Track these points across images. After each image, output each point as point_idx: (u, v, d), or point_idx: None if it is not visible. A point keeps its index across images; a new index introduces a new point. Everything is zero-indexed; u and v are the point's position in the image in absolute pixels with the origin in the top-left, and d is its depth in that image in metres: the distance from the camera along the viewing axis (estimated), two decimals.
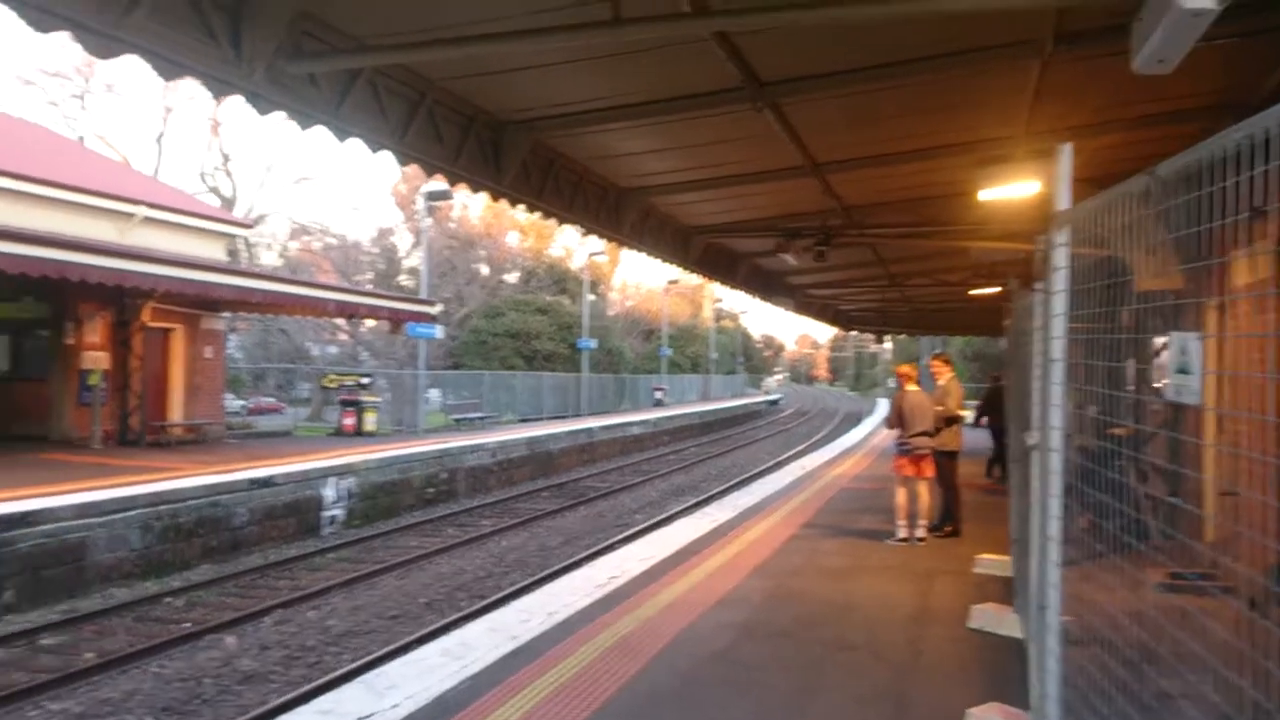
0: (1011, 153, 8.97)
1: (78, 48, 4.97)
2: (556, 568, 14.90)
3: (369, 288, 41.92)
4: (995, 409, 17.46)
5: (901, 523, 11.33)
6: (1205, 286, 3.51)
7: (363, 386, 29.12)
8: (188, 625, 11.76)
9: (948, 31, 6.79)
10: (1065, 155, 3.73)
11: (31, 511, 12.32)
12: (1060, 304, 3.60)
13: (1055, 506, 3.73)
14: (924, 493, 11.40)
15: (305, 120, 6.36)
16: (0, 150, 21.24)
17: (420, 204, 33.11)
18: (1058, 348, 3.67)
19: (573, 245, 66.05)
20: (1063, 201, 3.72)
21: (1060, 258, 3.62)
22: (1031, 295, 5.61)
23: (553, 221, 10.07)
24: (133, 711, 9.03)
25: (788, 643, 7.29)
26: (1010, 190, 9.12)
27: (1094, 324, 3.60)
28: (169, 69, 5.36)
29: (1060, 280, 3.61)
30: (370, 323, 37.47)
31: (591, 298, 51.97)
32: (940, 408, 11.57)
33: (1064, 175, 3.72)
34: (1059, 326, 3.64)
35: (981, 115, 8.95)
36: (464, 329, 47.74)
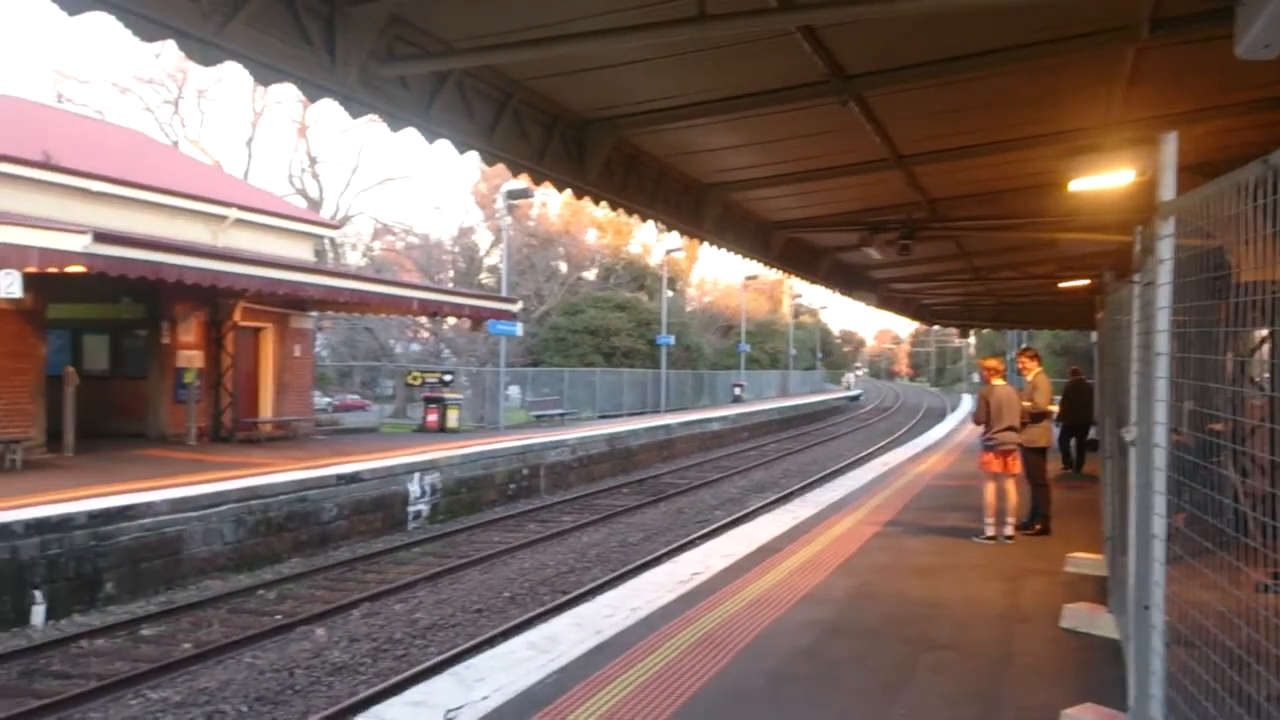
0: (1103, 142, 8.76)
1: (174, 55, 5.11)
2: (638, 563, 14.96)
3: (451, 286, 42.47)
4: (1074, 405, 17.10)
5: (989, 520, 11.14)
6: None
7: (445, 383, 29.52)
8: (279, 617, 12.05)
9: (1037, 19, 6.66)
10: (1170, 144, 3.64)
11: (131, 506, 12.74)
12: (1165, 296, 3.51)
13: (1160, 503, 3.64)
14: (1012, 490, 11.20)
15: (396, 122, 6.47)
16: (100, 156, 21.97)
17: (500, 203, 33.47)
18: (1163, 341, 3.58)
19: (650, 242, 66.27)
20: (1167, 191, 3.62)
21: (1165, 249, 3.53)
22: (1128, 287, 5.47)
23: (631, 219, 10.09)
24: (229, 700, 9.27)
25: (873, 641, 7.23)
26: (1102, 180, 8.90)
27: (1192, 316, 3.51)
28: (267, 74, 5.50)
29: (1166, 272, 3.52)
30: (452, 320, 37.98)
31: (670, 294, 52.03)
32: (1028, 403, 11.36)
33: (1168, 164, 3.62)
34: (1164, 319, 3.54)
35: (1072, 104, 8.75)
36: (543, 326, 48.14)
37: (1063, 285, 18.55)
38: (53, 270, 14.44)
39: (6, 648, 10.50)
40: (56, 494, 13.03)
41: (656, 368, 45.43)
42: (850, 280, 19.16)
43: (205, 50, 5.10)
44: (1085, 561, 9.65)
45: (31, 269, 14.26)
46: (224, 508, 14.09)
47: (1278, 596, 3.07)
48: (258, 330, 24.08)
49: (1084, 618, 7.59)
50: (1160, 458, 3.66)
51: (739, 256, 13.28)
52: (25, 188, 17.83)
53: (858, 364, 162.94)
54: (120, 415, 21.78)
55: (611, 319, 47.54)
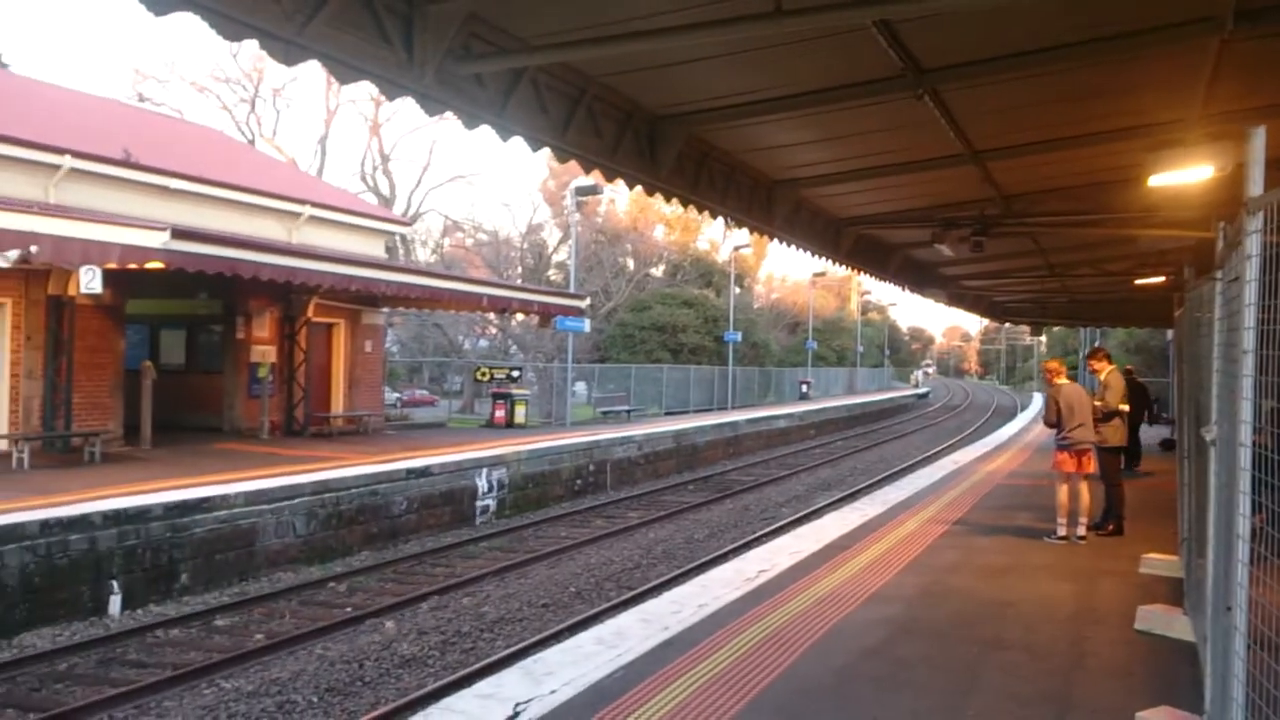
0: (1185, 136, 8.58)
1: (251, 54, 5.24)
2: (704, 560, 14.95)
3: (519, 282, 42.81)
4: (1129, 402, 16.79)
5: (1062, 520, 10.97)
6: None
7: (513, 379, 29.75)
8: (349, 609, 12.24)
9: (1117, 11, 6.56)
10: (1258, 138, 3.57)
11: (206, 498, 13.05)
12: (1253, 293, 3.44)
13: (1244, 504, 3.57)
14: (1084, 490, 11.03)
15: (471, 120, 6.56)
16: (178, 154, 22.53)
17: (569, 199, 33.62)
18: (1249, 339, 3.51)
19: (718, 239, 66.12)
20: (1256, 186, 3.55)
21: (1253, 244, 3.46)
22: (1209, 284, 5.36)
23: (701, 215, 10.10)
24: (299, 691, 9.42)
25: (943, 641, 7.17)
26: (1184, 175, 8.70)
27: (1274, 314, 3.44)
28: (346, 73, 5.62)
29: (1254, 268, 3.45)
30: (519, 317, 38.28)
31: (737, 290, 51.89)
32: (1100, 403, 11.17)
33: (1257, 159, 3.55)
34: (1250, 317, 3.48)
35: (1152, 98, 8.58)
36: (610, 322, 48.26)
37: (1139, 282, 18.17)
38: (132, 266, 14.77)
39: (85, 636, 10.80)
40: (133, 486, 13.39)
41: (723, 364, 45.33)
42: (920, 277, 18.97)
43: (287, 50, 5.22)
44: (1160, 563, 9.47)
45: (112, 265, 14.61)
46: (296, 501, 14.36)
47: None
48: (330, 326, 24.48)
49: (1159, 619, 7.46)
50: (1245, 457, 3.59)
51: (808, 253, 13.22)
52: (106, 185, 18.37)
53: (928, 361, 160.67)
54: (196, 409, 22.27)
55: (679, 315, 47.49)
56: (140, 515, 12.07)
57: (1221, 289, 4.72)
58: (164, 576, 12.32)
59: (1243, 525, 3.59)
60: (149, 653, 10.57)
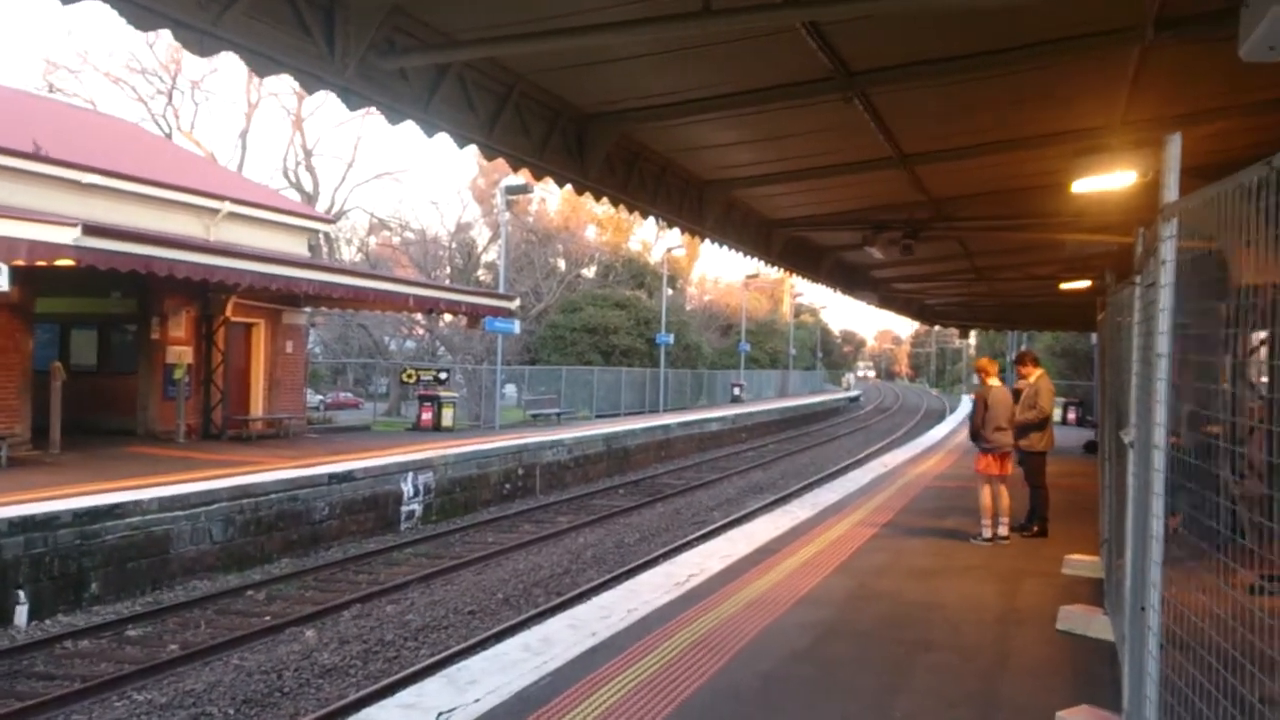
0: (1108, 142, 8.71)
1: (168, 46, 5.06)
2: (635, 564, 14.92)
3: (447, 282, 42.39)
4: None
5: (986, 522, 11.14)
6: None
7: (440, 381, 29.42)
8: (268, 618, 11.98)
9: (1042, 19, 6.61)
10: (1174, 145, 3.60)
11: (117, 504, 12.66)
12: (1167, 298, 3.48)
13: (1158, 505, 3.61)
14: (1004, 491, 11.20)
15: (395, 115, 6.42)
16: (91, 148, 21.84)
17: (499, 198, 33.38)
18: (1164, 343, 3.54)
19: (650, 239, 66.17)
20: (1170, 193, 3.59)
21: (1167, 250, 3.50)
22: (1129, 289, 5.44)
23: (631, 216, 10.06)
24: (215, 703, 9.21)
25: (871, 643, 7.20)
26: (1106, 181, 8.85)
27: (1192, 319, 3.48)
28: (264, 65, 5.45)
29: (1168, 274, 3.48)
30: (448, 318, 37.93)
31: (669, 292, 51.97)
32: (1034, 410, 11.34)
33: (1172, 166, 3.59)
34: (1165, 321, 3.51)
35: (1077, 104, 8.71)
36: (541, 324, 47.99)
37: (1065, 286, 18.52)
38: (41, 263, 14.26)
39: None
40: (41, 492, 12.91)
41: (655, 367, 45.37)
42: (851, 279, 19.12)
43: (202, 40, 5.04)
44: (1082, 564, 9.63)
45: (20, 262, 14.14)
46: (213, 507, 14.00)
47: (1271, 598, 3.05)
48: (249, 326, 23.92)
49: (1080, 620, 7.58)
50: (1159, 459, 3.63)
51: (740, 254, 13.23)
52: (14, 179, 17.68)
53: (867, 363, 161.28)
54: (108, 412, 21.61)
55: (610, 317, 47.37)
56: (48, 522, 11.67)
57: (1140, 293, 4.78)
58: (73, 585, 11.93)
59: (1156, 526, 3.62)
60: (57, 664, 10.25)
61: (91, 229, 14.05)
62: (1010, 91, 8.34)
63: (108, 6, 4.70)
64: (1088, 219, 11.77)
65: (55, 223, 14.19)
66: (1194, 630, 3.41)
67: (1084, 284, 17.40)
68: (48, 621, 11.46)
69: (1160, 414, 3.67)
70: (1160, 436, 3.67)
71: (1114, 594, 6.86)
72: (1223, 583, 3.19)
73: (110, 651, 10.75)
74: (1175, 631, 3.56)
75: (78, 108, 34.62)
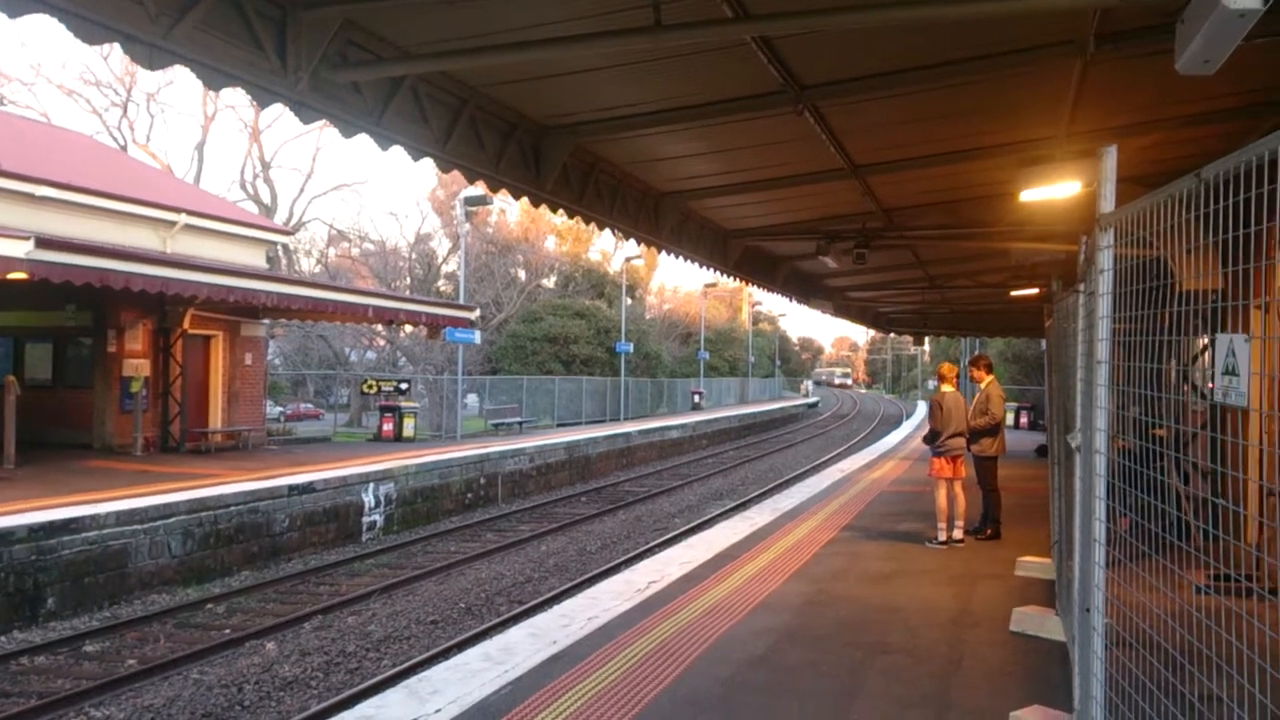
0: (1053, 153, 8.90)
1: (123, 58, 5.07)
2: (596, 572, 14.93)
3: (407, 293, 42.17)
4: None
5: (942, 525, 11.30)
6: (1250, 288, 3.47)
7: (401, 392, 29.28)
8: (228, 631, 11.87)
9: (987, 33, 6.76)
10: (1109, 156, 3.71)
11: (74, 519, 12.47)
12: (1106, 305, 3.58)
13: (1100, 508, 3.70)
14: (960, 494, 11.36)
15: (348, 128, 6.43)
16: (44, 160, 21.59)
17: (458, 210, 33.29)
18: (1103, 349, 3.64)
19: (610, 249, 66.22)
20: (1107, 203, 3.69)
21: (1105, 259, 3.60)
22: (1073, 296, 5.56)
23: (590, 226, 10.11)
24: (174, 718, 9.12)
25: (829, 647, 7.27)
26: (1052, 191, 9.03)
27: (1135, 325, 3.57)
28: (215, 78, 5.45)
29: (1106, 282, 3.58)
30: (408, 328, 37.73)
31: (629, 301, 52.04)
32: (985, 416, 11.51)
33: (1108, 176, 3.69)
34: (1104, 328, 3.61)
35: (1023, 116, 8.90)
36: (502, 334, 47.87)
37: (1014, 294, 18.81)
38: None
39: None
40: None
41: (616, 375, 45.40)
42: (807, 288, 19.31)
43: (152, 54, 5.04)
44: (1034, 565, 9.78)
45: None
46: (171, 520, 13.85)
47: (1213, 599, 3.14)
48: (207, 338, 23.72)
49: (1033, 621, 7.70)
50: (1101, 463, 3.72)
51: (697, 264, 13.35)
52: None
53: (845, 369, 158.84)
54: (64, 426, 21.37)
55: (570, 326, 47.36)
56: (3, 538, 11.48)
57: (1083, 301, 4.90)
58: (29, 601, 11.74)
59: (1099, 530, 3.71)
60: (13, 681, 10.07)
61: (45, 242, 13.90)
62: (958, 103, 8.50)
63: (56, 20, 4.70)
64: (1034, 228, 12.00)
65: (7, 235, 13.97)
66: (1138, 631, 3.51)
67: (1033, 291, 17.68)
68: (3, 638, 11.27)
69: (1102, 419, 3.75)
70: (1102, 441, 3.75)
71: (1065, 595, 6.98)
72: (1167, 585, 3.28)
73: (68, 668, 10.59)
74: (1121, 632, 3.65)
75: (31, 120, 34.12)
